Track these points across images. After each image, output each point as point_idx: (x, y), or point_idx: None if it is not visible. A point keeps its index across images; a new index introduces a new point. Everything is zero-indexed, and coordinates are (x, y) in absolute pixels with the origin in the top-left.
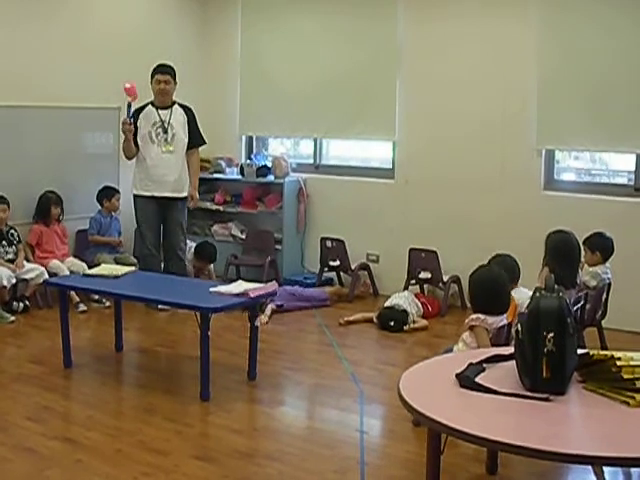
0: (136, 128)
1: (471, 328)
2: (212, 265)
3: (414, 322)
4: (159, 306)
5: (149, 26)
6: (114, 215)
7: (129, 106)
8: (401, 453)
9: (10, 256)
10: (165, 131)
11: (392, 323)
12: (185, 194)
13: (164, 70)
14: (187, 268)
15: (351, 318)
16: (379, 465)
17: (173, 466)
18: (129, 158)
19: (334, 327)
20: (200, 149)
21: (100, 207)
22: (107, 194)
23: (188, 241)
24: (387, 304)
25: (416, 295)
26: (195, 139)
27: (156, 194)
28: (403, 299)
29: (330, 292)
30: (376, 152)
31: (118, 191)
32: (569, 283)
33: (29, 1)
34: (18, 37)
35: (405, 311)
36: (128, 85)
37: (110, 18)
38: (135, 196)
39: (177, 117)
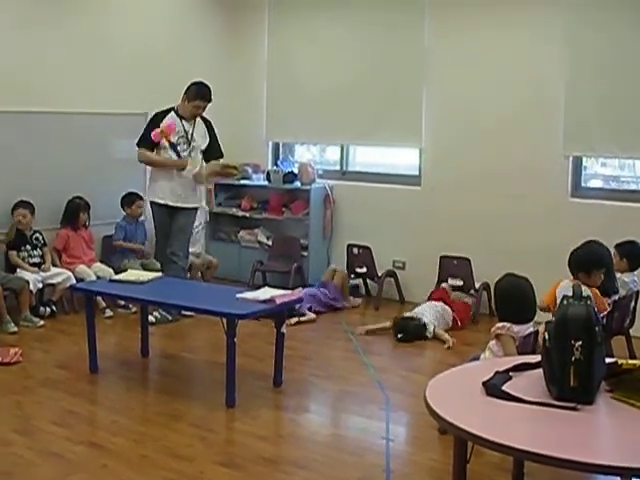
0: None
1: (497, 336)
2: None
3: (434, 336)
4: (182, 312)
5: (176, 33)
6: (139, 221)
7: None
8: (426, 461)
9: (35, 260)
10: (188, 143)
11: (400, 335)
12: (197, 204)
13: (207, 97)
14: (182, 274)
15: (372, 327)
16: (405, 473)
17: (198, 472)
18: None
19: (360, 334)
20: (223, 155)
21: (124, 213)
22: (128, 200)
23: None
24: (407, 314)
25: (447, 303)
26: (213, 152)
27: (170, 203)
28: (430, 309)
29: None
30: (402, 159)
31: (140, 197)
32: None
33: (58, 7)
34: (46, 44)
35: (424, 325)
36: (153, 133)
37: (138, 25)
38: (150, 202)
39: (199, 129)
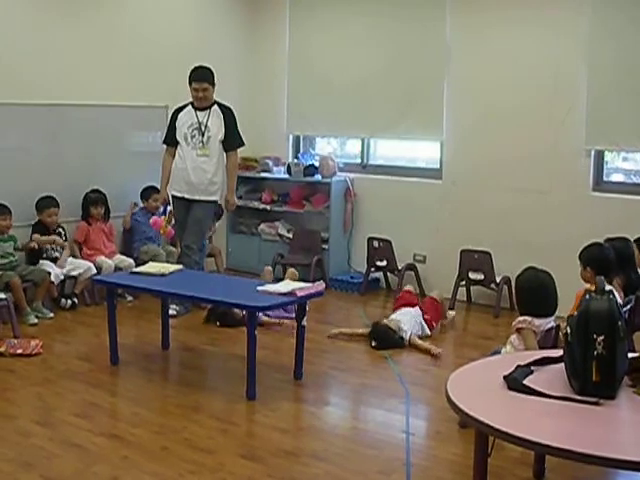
0: (175, 128)
1: (518, 330)
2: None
3: (410, 344)
4: (203, 304)
5: (197, 26)
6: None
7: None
8: (447, 455)
9: (57, 254)
10: (201, 133)
11: (373, 343)
12: (214, 198)
13: (200, 77)
14: (196, 268)
15: (343, 331)
16: (425, 467)
17: (218, 464)
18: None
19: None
20: (242, 149)
21: (142, 206)
22: (146, 194)
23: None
24: (386, 321)
25: (416, 304)
26: (231, 141)
27: (187, 196)
28: (406, 317)
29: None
30: (423, 152)
31: (158, 191)
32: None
33: (77, 0)
34: (68, 37)
35: (401, 338)
36: (151, 221)
37: (160, 20)
38: (172, 195)
39: (214, 119)
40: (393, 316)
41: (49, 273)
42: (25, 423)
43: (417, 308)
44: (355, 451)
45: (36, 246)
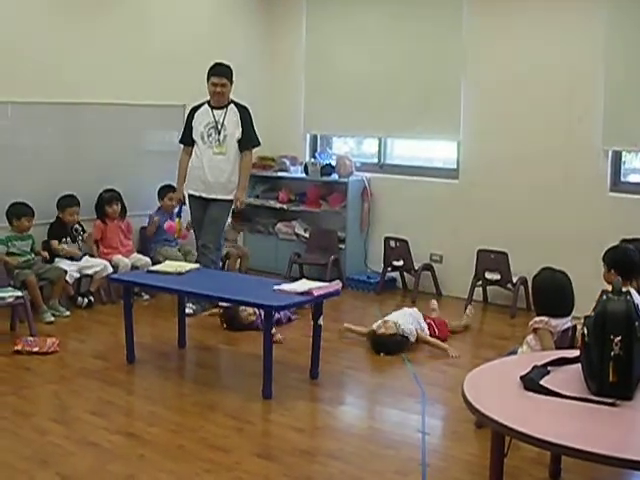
0: (192, 127)
1: (535, 330)
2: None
3: (417, 340)
4: (220, 303)
5: (214, 25)
6: (174, 212)
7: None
8: (463, 455)
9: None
10: (218, 132)
11: (382, 354)
12: (231, 197)
13: (220, 72)
14: (213, 267)
15: (352, 327)
16: (441, 467)
17: (234, 463)
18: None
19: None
20: (259, 148)
21: (159, 205)
22: (162, 193)
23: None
24: (381, 329)
25: (423, 316)
26: (246, 140)
27: (204, 195)
28: (407, 316)
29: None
30: (440, 152)
31: (172, 189)
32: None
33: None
34: (84, 36)
35: (406, 337)
36: (166, 226)
37: (176, 17)
38: (188, 194)
39: (231, 117)
40: (389, 317)
41: (65, 271)
42: (41, 421)
43: (414, 309)
44: (371, 451)
45: (47, 256)
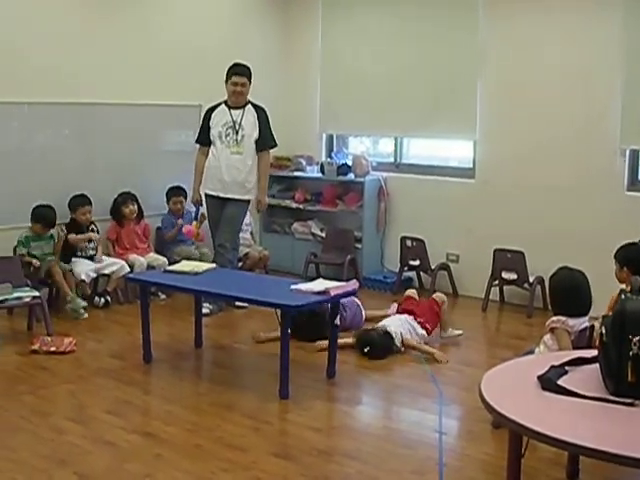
0: (209, 127)
1: (552, 330)
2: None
3: (404, 347)
4: (237, 303)
5: (231, 26)
6: (184, 214)
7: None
8: (480, 455)
9: (91, 252)
10: (235, 132)
11: (367, 349)
12: (248, 197)
13: (241, 72)
14: (229, 266)
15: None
16: (457, 467)
17: (251, 463)
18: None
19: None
20: (276, 148)
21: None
22: (168, 195)
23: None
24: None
25: (415, 312)
26: (264, 141)
27: (221, 195)
28: (394, 321)
29: None
30: (456, 151)
31: (180, 193)
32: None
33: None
34: (101, 36)
35: (388, 333)
36: (185, 230)
37: (193, 17)
38: (205, 194)
39: (248, 118)
40: (380, 323)
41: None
42: (59, 420)
43: (407, 316)
44: (388, 450)
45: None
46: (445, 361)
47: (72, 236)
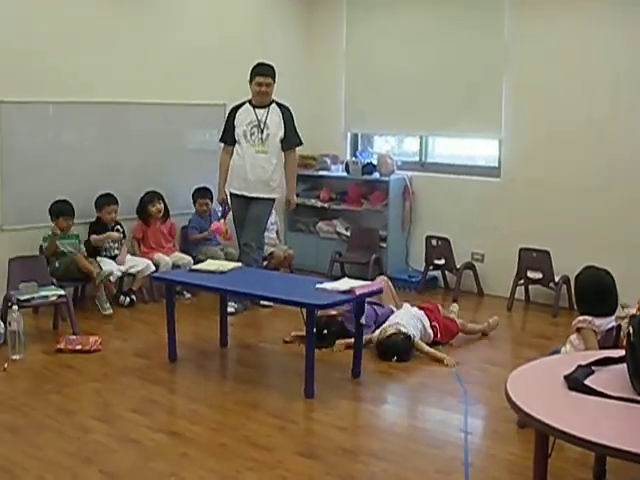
0: (233, 126)
1: (578, 330)
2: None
3: (418, 349)
4: (262, 302)
5: (255, 25)
6: (211, 215)
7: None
8: (505, 455)
9: (115, 252)
10: (260, 131)
11: (395, 358)
12: (273, 195)
13: (265, 72)
14: (254, 265)
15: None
16: (483, 467)
17: (277, 462)
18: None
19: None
20: (300, 147)
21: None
22: (194, 196)
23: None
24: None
25: (433, 318)
26: (289, 139)
27: (246, 194)
28: (409, 318)
29: None
30: (481, 150)
31: (206, 194)
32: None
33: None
34: (126, 35)
35: (408, 336)
36: (213, 227)
37: (218, 17)
38: (230, 193)
39: (273, 117)
40: (387, 323)
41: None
42: (84, 418)
43: (418, 310)
44: (414, 450)
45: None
46: (454, 365)
47: (93, 236)
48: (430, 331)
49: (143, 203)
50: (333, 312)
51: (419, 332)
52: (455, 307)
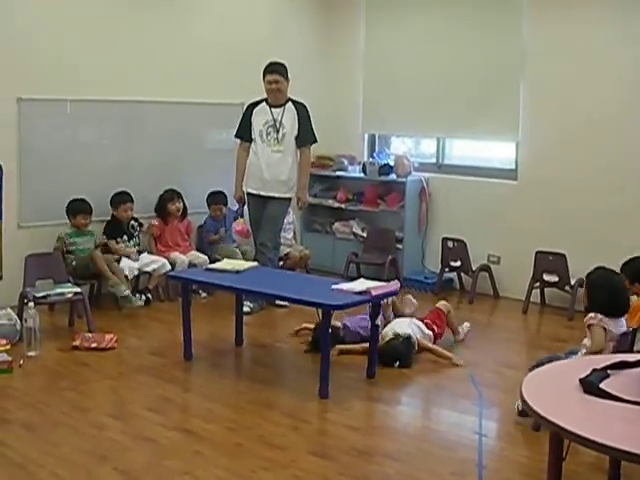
0: (250, 123)
1: (589, 327)
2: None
3: (419, 349)
4: (277, 302)
5: (273, 25)
6: (226, 217)
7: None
8: (519, 458)
9: (132, 249)
10: (276, 130)
11: (397, 364)
12: (289, 195)
13: (273, 69)
14: (270, 265)
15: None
16: (497, 469)
17: (290, 461)
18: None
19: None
20: (317, 147)
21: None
22: (208, 201)
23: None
24: (388, 334)
25: (421, 319)
26: (303, 137)
27: (262, 193)
28: (404, 325)
29: None
30: (499, 152)
31: (220, 200)
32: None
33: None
34: (143, 35)
35: (409, 338)
36: (238, 230)
37: (235, 17)
38: (246, 193)
39: (288, 115)
40: (386, 329)
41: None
42: (99, 416)
43: (412, 319)
44: (428, 451)
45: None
46: (462, 364)
47: (112, 243)
48: (429, 332)
49: (162, 201)
50: (337, 324)
51: (418, 333)
52: (466, 326)
